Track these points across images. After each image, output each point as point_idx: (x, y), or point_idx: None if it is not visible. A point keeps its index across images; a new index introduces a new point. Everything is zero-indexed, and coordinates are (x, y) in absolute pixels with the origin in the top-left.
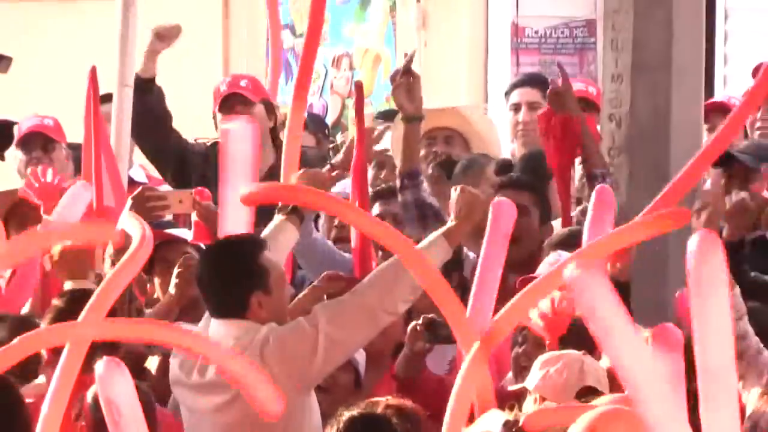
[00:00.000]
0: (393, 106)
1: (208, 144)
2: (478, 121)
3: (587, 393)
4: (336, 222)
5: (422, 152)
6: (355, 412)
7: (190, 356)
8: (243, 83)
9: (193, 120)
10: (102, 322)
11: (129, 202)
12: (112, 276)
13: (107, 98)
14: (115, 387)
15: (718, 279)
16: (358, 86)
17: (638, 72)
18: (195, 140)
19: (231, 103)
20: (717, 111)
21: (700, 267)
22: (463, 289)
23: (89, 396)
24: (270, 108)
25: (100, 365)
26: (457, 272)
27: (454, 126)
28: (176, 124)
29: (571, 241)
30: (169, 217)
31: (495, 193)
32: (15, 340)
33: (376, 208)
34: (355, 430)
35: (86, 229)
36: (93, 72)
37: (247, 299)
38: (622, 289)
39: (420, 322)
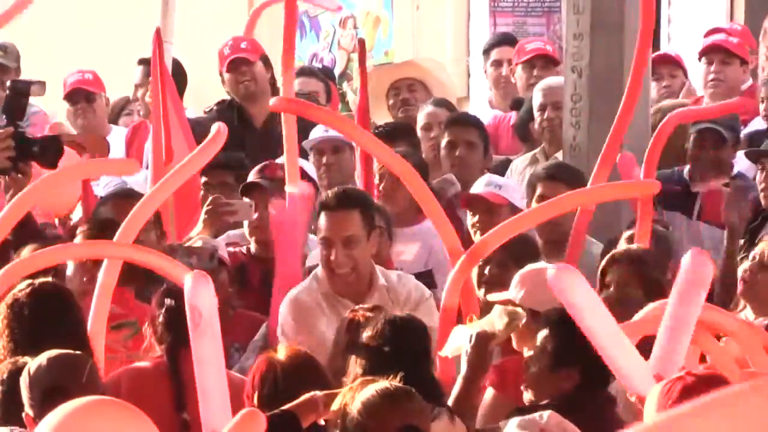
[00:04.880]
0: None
1: (214, 108)
2: (435, 69)
3: None
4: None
5: (391, 101)
6: (393, 315)
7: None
8: (243, 45)
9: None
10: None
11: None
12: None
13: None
14: (201, 296)
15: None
16: (361, 43)
17: (596, 31)
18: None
19: (236, 63)
20: (663, 62)
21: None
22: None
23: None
24: (267, 62)
25: (189, 277)
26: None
27: (415, 76)
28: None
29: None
30: None
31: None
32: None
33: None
34: (394, 330)
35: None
36: (158, 32)
37: None
38: None
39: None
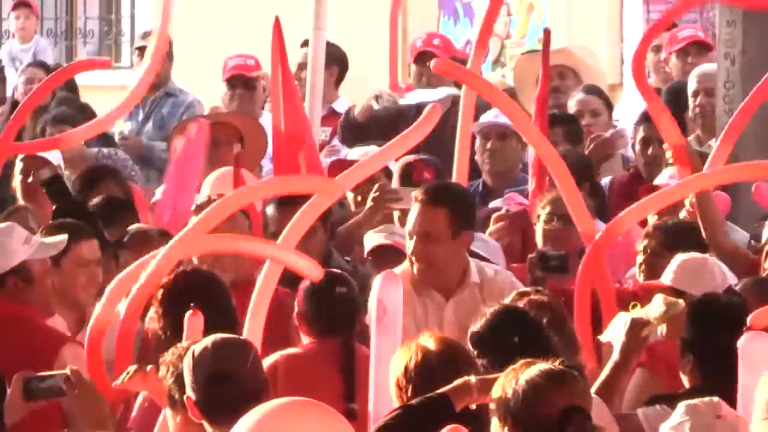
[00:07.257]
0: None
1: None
2: (586, 56)
3: None
4: None
5: None
6: (498, 306)
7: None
8: (436, 41)
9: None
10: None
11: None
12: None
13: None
14: (389, 293)
15: None
16: (546, 33)
17: (749, 18)
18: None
19: (424, 58)
20: None
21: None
22: (595, 196)
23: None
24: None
25: (380, 276)
26: (588, 181)
27: (566, 63)
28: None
29: None
30: None
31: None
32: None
33: None
34: (502, 322)
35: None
36: (277, 21)
37: None
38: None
39: (534, 254)
